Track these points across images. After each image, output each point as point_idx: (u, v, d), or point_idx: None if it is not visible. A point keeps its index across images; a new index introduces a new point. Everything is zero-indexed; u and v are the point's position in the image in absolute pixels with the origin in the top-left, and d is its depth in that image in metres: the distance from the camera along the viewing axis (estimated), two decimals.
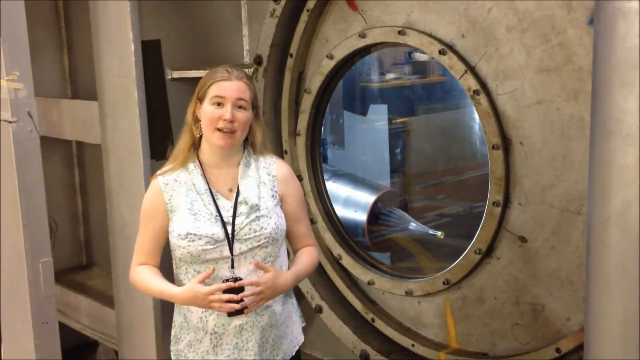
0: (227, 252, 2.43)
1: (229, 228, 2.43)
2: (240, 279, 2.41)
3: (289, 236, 2.64)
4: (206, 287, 2.36)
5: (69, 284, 4.63)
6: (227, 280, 2.41)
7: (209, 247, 2.42)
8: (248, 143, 2.58)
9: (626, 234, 1.93)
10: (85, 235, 5.01)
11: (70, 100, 4.47)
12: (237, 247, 2.44)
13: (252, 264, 2.45)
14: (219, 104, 2.42)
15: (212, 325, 2.47)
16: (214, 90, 2.43)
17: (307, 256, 2.63)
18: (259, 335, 2.48)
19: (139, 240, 2.58)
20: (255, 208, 2.46)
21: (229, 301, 2.35)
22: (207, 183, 2.49)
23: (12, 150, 3.25)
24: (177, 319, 2.59)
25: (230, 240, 2.43)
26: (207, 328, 2.48)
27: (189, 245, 2.42)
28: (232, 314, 2.42)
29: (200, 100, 2.47)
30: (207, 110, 2.43)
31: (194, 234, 2.41)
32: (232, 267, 2.44)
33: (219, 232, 2.42)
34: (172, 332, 2.60)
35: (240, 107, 2.43)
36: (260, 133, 2.56)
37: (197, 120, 2.50)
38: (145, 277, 2.53)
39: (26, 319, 3.37)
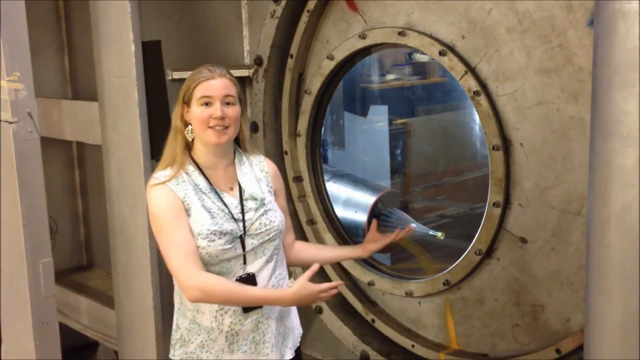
0: (240, 249, 2.45)
1: (240, 224, 2.45)
2: (253, 275, 2.42)
3: None
4: (319, 285, 2.41)
5: (69, 285, 4.63)
6: (241, 277, 2.42)
7: (227, 246, 2.41)
8: (235, 143, 2.60)
9: (626, 235, 1.93)
10: (86, 236, 5.01)
11: (70, 101, 4.47)
12: (249, 242, 2.45)
13: (262, 258, 2.48)
14: (206, 104, 2.43)
15: (229, 323, 2.46)
16: (200, 91, 2.43)
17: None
18: (274, 327, 2.51)
19: (179, 242, 2.35)
20: (262, 202, 2.50)
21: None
22: (209, 182, 2.50)
23: (13, 151, 3.24)
24: (182, 322, 2.53)
25: (242, 236, 2.45)
26: (223, 327, 2.47)
27: (209, 246, 2.39)
28: (247, 309, 2.44)
29: (187, 103, 2.47)
30: (196, 111, 2.44)
31: (216, 231, 2.39)
32: (244, 263, 2.45)
33: (235, 228, 2.43)
34: (177, 336, 2.55)
35: (228, 103, 2.45)
36: (246, 128, 2.61)
37: (186, 124, 2.50)
38: (225, 284, 2.36)
39: (26, 319, 3.37)
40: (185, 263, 2.34)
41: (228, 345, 2.48)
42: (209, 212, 2.42)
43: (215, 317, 2.46)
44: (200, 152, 2.52)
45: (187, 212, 2.42)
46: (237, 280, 2.42)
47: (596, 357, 2.07)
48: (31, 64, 3.25)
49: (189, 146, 2.54)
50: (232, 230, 2.42)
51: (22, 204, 3.28)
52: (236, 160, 2.57)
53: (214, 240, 2.39)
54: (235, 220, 2.45)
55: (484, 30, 2.94)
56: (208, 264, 2.42)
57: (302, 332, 2.71)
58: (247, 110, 3.79)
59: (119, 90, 3.59)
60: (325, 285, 2.41)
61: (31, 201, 3.31)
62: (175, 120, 2.52)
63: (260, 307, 2.46)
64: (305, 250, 2.84)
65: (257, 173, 2.58)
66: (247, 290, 2.39)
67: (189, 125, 2.49)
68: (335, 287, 2.44)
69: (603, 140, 1.97)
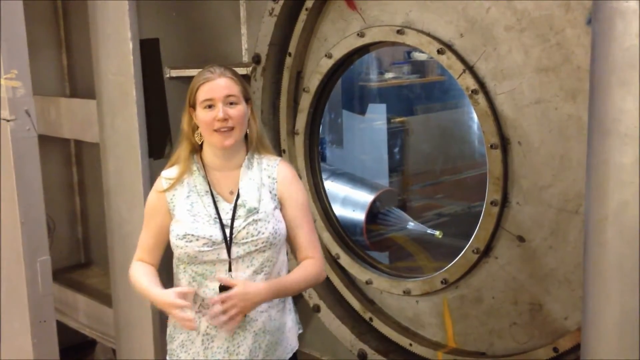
0: (224, 255, 2.41)
1: (227, 231, 2.42)
2: (230, 288, 2.35)
3: (291, 243, 2.56)
4: (175, 300, 2.28)
5: (67, 283, 4.62)
6: (223, 285, 2.39)
7: (206, 249, 2.40)
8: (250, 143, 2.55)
9: (623, 233, 1.93)
10: (83, 234, 5.01)
11: (68, 99, 4.46)
12: (235, 250, 2.41)
13: (249, 268, 2.44)
14: (210, 106, 2.40)
15: (205, 326, 2.46)
16: (201, 94, 2.41)
17: (302, 270, 2.50)
18: (250, 340, 2.46)
19: (141, 236, 2.58)
20: (253, 211, 2.43)
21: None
22: (209, 185, 2.48)
23: (10, 149, 3.24)
24: (171, 318, 2.57)
25: (228, 243, 2.42)
26: (200, 329, 2.46)
27: (187, 246, 2.41)
28: None
29: (193, 107, 2.46)
30: (200, 115, 2.42)
31: (192, 235, 2.40)
32: (230, 270, 2.43)
33: (216, 234, 2.41)
34: (167, 331, 2.60)
35: (231, 102, 2.41)
36: (255, 126, 2.52)
37: (195, 127, 2.48)
38: (137, 273, 2.52)
39: (24, 317, 3.37)
40: (136, 253, 2.60)
41: (203, 350, 2.47)
42: (194, 215, 2.43)
43: (195, 318, 2.45)
44: (208, 154, 2.50)
45: (173, 212, 2.48)
46: (220, 287, 2.39)
47: (593, 356, 2.07)
48: (29, 62, 3.25)
49: (197, 148, 2.53)
50: (211, 235, 2.40)
51: (19, 202, 3.28)
52: (244, 164, 2.50)
53: (191, 241, 2.40)
54: (223, 226, 2.42)
55: (482, 28, 2.94)
56: (190, 263, 2.45)
57: (296, 346, 2.63)
58: None
59: (116, 88, 3.59)
60: (180, 302, 2.27)
61: (29, 199, 3.30)
62: (183, 125, 2.51)
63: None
64: None
65: (263, 178, 2.50)
66: (143, 280, 2.47)
67: (199, 129, 2.48)
68: (188, 321, 2.29)
69: (601, 138, 1.97)
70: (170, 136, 3.68)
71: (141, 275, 2.51)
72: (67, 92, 4.74)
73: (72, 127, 4.28)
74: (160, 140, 3.69)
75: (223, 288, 2.38)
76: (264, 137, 2.58)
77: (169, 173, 2.53)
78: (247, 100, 2.48)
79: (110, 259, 3.86)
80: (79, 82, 4.66)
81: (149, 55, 3.61)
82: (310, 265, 2.51)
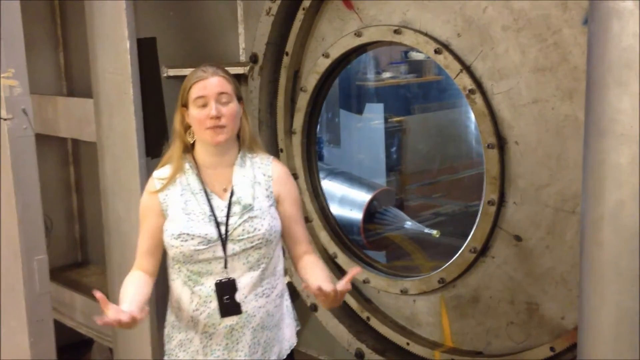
0: (220, 253, 2.42)
1: (223, 228, 2.42)
2: (233, 280, 2.41)
3: (287, 238, 2.59)
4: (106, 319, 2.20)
5: (64, 282, 4.62)
6: (221, 281, 2.41)
7: (201, 247, 2.40)
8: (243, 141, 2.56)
9: (620, 233, 1.94)
10: (81, 233, 5.00)
11: (65, 98, 4.46)
12: (230, 247, 2.42)
13: (245, 265, 2.45)
14: (203, 105, 2.41)
15: (203, 325, 2.45)
16: (194, 93, 2.42)
17: (323, 265, 2.59)
18: (249, 337, 2.46)
19: (139, 240, 2.56)
20: (248, 208, 2.44)
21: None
22: (202, 183, 2.48)
23: (8, 148, 3.23)
24: (169, 317, 2.57)
25: (224, 240, 2.43)
26: (198, 328, 2.46)
27: (182, 245, 2.40)
28: (225, 313, 2.42)
29: (186, 106, 2.47)
30: (193, 114, 2.43)
31: (187, 234, 2.40)
32: (226, 267, 2.43)
33: (212, 232, 2.41)
34: (165, 331, 2.59)
35: (224, 101, 2.42)
36: (247, 125, 2.54)
37: (187, 127, 2.50)
38: (125, 282, 2.45)
39: (21, 316, 3.36)
40: (136, 261, 2.55)
41: (202, 348, 2.48)
42: (188, 214, 2.43)
43: (192, 317, 2.47)
44: (200, 152, 2.51)
45: (166, 211, 2.47)
46: (216, 284, 2.41)
47: (590, 356, 2.07)
48: (26, 61, 3.24)
49: (189, 147, 2.53)
50: (206, 234, 2.40)
51: (17, 201, 3.27)
52: (237, 162, 2.52)
53: (186, 240, 2.40)
54: (218, 223, 2.42)
55: (479, 28, 2.94)
56: (185, 262, 2.44)
57: (295, 342, 2.65)
58: None
59: (114, 87, 3.58)
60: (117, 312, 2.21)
61: (26, 198, 3.30)
62: (175, 124, 2.52)
63: (239, 313, 2.43)
64: (302, 270, 2.57)
65: (257, 176, 2.51)
66: (120, 296, 2.38)
67: (190, 128, 2.49)
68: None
69: (597, 138, 1.97)
70: (168, 135, 3.66)
71: (126, 285, 2.44)
72: (65, 91, 4.73)
73: (69, 126, 4.28)
74: (157, 139, 3.64)
75: (219, 285, 2.41)
76: (256, 135, 2.62)
77: (160, 173, 2.53)
78: (240, 99, 2.49)
79: (107, 258, 3.86)
80: (76, 81, 4.66)
81: (146, 54, 3.61)
82: (321, 262, 2.63)
